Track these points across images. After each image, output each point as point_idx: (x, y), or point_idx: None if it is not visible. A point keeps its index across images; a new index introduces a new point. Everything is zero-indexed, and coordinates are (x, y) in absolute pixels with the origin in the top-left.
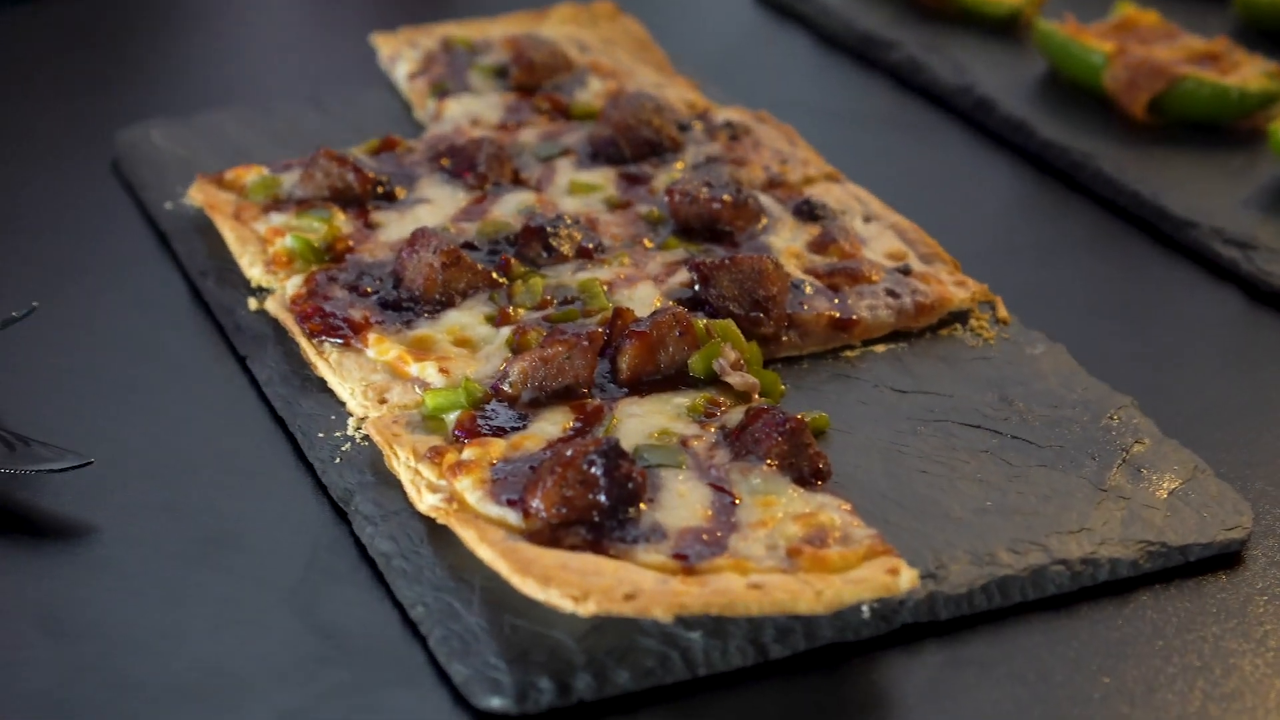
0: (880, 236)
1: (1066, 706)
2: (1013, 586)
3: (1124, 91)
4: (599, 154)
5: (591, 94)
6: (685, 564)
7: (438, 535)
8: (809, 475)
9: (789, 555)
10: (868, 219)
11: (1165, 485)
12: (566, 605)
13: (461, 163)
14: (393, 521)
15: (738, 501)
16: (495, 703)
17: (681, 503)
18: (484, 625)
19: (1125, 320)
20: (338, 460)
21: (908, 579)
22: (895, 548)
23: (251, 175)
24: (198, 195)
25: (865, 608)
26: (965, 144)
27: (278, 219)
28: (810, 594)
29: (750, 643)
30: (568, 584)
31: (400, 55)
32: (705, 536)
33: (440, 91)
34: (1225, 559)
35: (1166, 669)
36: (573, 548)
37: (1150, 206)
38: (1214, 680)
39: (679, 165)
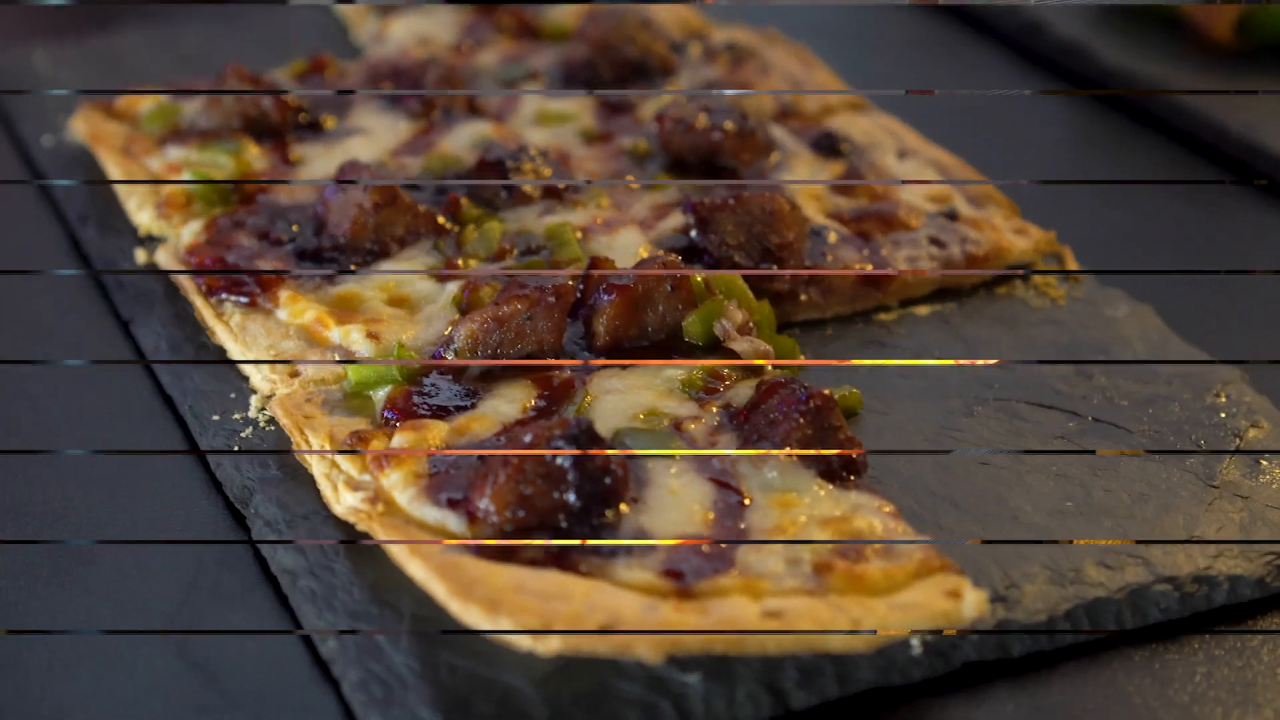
0: (918, 175)
1: None
2: (1105, 612)
3: (1203, 9)
4: (573, 78)
5: (564, 10)
6: (679, 584)
7: (358, 547)
8: (838, 467)
9: (816, 572)
10: (902, 154)
11: None
12: (522, 641)
13: (405, 87)
14: (301, 528)
15: (747, 502)
16: None
17: (675, 503)
18: (414, 665)
19: (1219, 276)
20: (235, 449)
21: (973, 604)
22: (954, 562)
23: (147, 102)
24: (81, 126)
25: (916, 641)
26: (1011, 71)
27: (175, 153)
28: (845, 624)
29: (765, 688)
30: (524, 611)
31: None
32: (706, 548)
33: (384, 8)
34: None
35: None
36: (532, 563)
37: (1239, 143)
38: None
39: (670, 89)
